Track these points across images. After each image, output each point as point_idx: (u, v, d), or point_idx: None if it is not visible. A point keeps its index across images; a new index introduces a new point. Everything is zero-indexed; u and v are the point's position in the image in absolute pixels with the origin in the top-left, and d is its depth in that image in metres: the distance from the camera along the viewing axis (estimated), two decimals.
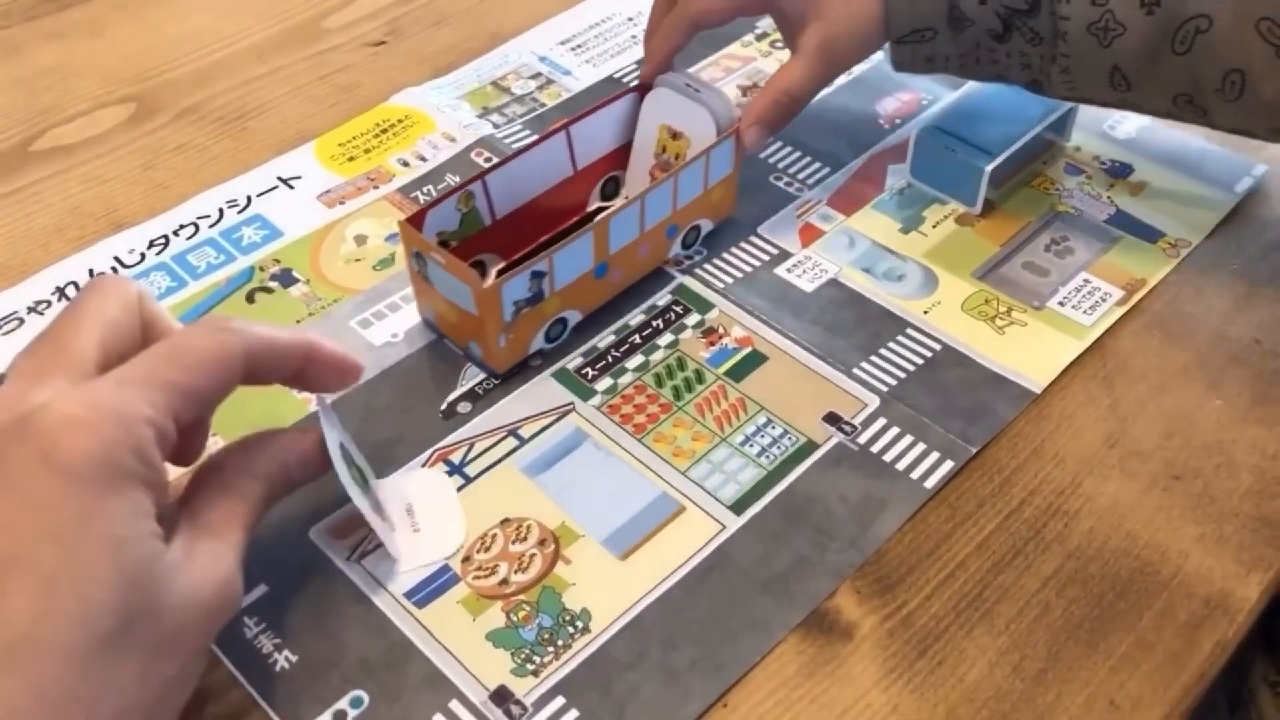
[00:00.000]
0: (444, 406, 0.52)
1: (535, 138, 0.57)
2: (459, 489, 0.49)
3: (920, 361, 0.54)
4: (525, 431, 0.51)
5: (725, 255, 0.60)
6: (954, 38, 0.56)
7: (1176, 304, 0.57)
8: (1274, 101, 0.52)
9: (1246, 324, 0.56)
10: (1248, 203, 0.63)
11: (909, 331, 0.56)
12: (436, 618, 0.44)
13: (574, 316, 0.54)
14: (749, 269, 0.59)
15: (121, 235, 0.61)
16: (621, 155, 0.61)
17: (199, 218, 0.62)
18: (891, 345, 0.55)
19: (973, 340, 0.55)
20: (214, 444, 0.49)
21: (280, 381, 0.42)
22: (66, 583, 0.32)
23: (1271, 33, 0.50)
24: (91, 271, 0.59)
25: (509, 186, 0.55)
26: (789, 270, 0.59)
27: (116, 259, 0.60)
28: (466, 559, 0.46)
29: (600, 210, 0.60)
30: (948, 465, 0.50)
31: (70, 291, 0.58)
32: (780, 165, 0.65)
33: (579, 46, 0.75)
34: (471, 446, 0.51)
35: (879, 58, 0.63)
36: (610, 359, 0.54)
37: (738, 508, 0.48)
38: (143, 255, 0.60)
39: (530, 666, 0.43)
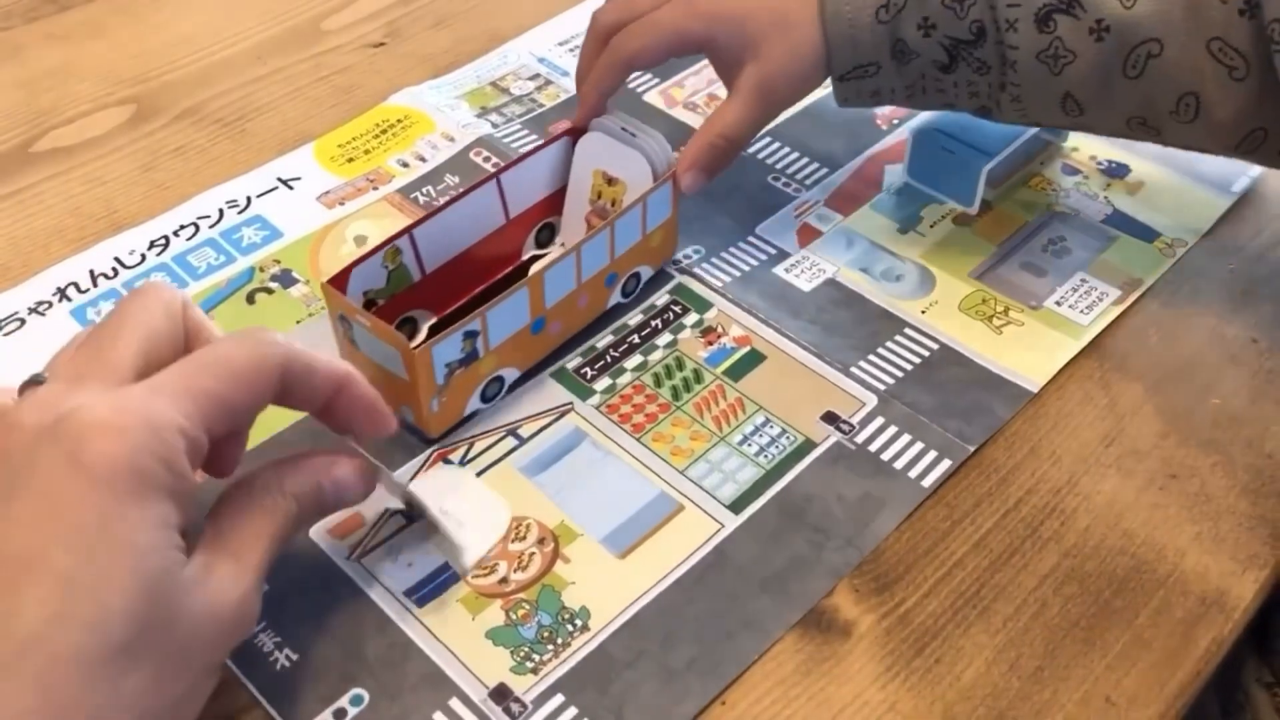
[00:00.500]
0: None
1: (464, 188, 0.54)
2: None
3: (918, 361, 0.55)
4: (524, 431, 0.51)
5: (723, 255, 0.60)
6: (898, 70, 0.55)
7: (1173, 303, 0.58)
8: (1229, 121, 0.51)
9: (1243, 323, 0.57)
10: (1244, 203, 0.63)
11: (907, 331, 0.56)
12: (436, 616, 0.45)
13: (511, 374, 0.52)
14: (747, 268, 0.59)
15: (122, 236, 0.61)
16: (556, 201, 0.58)
17: (199, 218, 0.62)
18: (889, 345, 0.55)
19: (970, 340, 0.55)
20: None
21: (311, 410, 0.41)
22: (83, 587, 0.32)
23: (1223, 53, 0.50)
24: (93, 272, 0.59)
25: (438, 239, 0.53)
26: (787, 270, 0.59)
27: (117, 260, 0.60)
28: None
29: (535, 258, 0.57)
30: (945, 464, 0.50)
31: (71, 293, 0.58)
32: (778, 166, 0.66)
33: (577, 48, 0.75)
34: (471, 446, 0.51)
35: None
36: (609, 359, 0.54)
37: (736, 507, 0.48)
38: (143, 256, 0.60)
39: (530, 664, 0.43)
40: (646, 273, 0.57)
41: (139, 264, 0.60)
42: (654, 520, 0.48)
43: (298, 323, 0.56)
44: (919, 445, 0.51)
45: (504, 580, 0.46)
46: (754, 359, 0.55)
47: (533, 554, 0.47)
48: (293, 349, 0.38)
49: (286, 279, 0.59)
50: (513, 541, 0.47)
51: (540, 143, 0.56)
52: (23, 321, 0.57)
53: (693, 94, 0.71)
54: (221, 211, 0.63)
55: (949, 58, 0.54)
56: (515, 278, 0.53)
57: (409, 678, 0.43)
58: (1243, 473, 0.50)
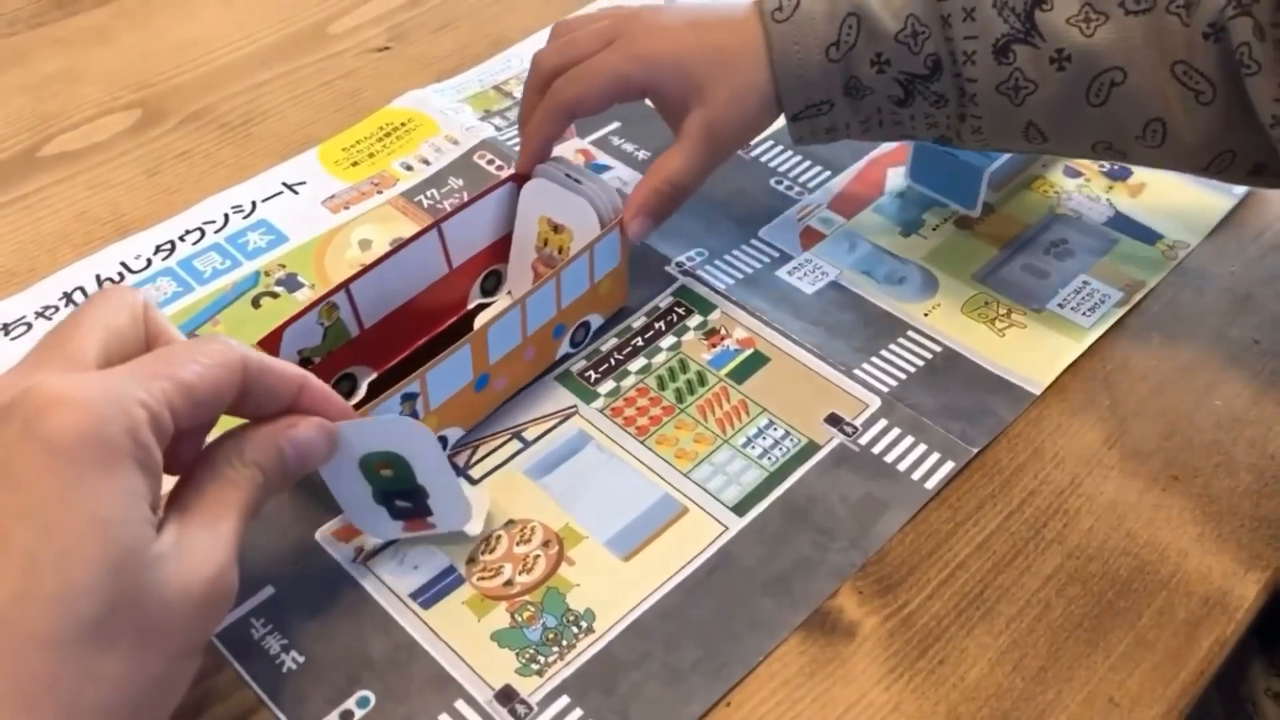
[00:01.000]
0: None
1: (403, 240, 0.52)
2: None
3: (921, 363, 0.55)
4: (529, 434, 0.52)
5: (726, 258, 0.60)
6: (853, 107, 0.54)
7: (1175, 306, 0.58)
8: (1196, 144, 0.51)
9: (1245, 325, 0.57)
10: (1246, 205, 0.63)
11: (909, 333, 0.56)
12: (442, 618, 0.45)
13: (455, 433, 0.50)
14: (750, 271, 0.59)
15: (128, 240, 0.61)
16: (502, 248, 0.56)
17: (205, 223, 0.63)
18: (892, 347, 0.55)
19: (973, 342, 0.56)
20: None
21: (268, 413, 0.40)
22: (46, 563, 0.31)
23: (1188, 76, 0.49)
24: (99, 277, 0.59)
25: (377, 293, 0.51)
26: (790, 273, 0.59)
27: (123, 264, 0.60)
28: (471, 560, 0.47)
29: (482, 307, 0.56)
30: (948, 466, 0.50)
31: (78, 297, 0.58)
32: (781, 169, 0.66)
33: None
34: (475, 449, 0.51)
35: None
36: (613, 362, 0.55)
37: (740, 509, 0.49)
38: (149, 261, 0.60)
39: (535, 666, 0.43)
40: (596, 321, 0.55)
41: (145, 268, 0.60)
42: (658, 522, 0.48)
43: None
44: (922, 447, 0.51)
45: (509, 582, 0.46)
46: (757, 361, 0.55)
47: (537, 556, 0.47)
48: (250, 349, 0.38)
49: (292, 283, 0.59)
50: (518, 544, 0.47)
51: (483, 189, 0.54)
52: (30, 326, 0.57)
53: None
54: (227, 216, 0.63)
55: (905, 92, 0.53)
56: (460, 327, 0.53)
57: (415, 680, 0.43)
58: (1245, 474, 0.50)
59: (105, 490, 0.32)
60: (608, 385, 0.54)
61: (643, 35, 0.54)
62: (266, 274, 0.60)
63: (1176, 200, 0.63)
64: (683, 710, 0.42)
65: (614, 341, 0.56)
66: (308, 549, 0.47)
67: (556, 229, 0.54)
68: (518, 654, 0.44)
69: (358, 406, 0.44)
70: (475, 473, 0.50)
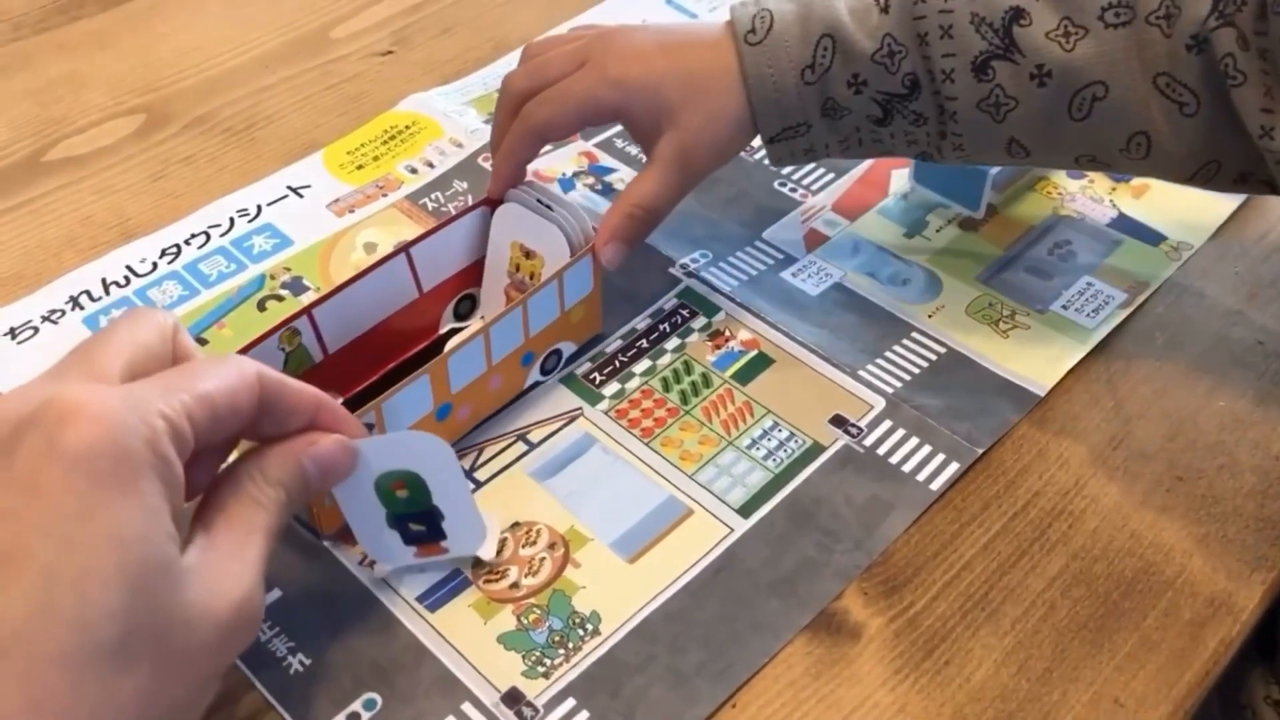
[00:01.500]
0: None
1: (370, 264, 0.51)
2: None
3: (925, 365, 0.55)
4: (534, 436, 0.52)
5: (730, 259, 0.60)
6: (830, 127, 0.53)
7: (1179, 307, 0.58)
8: (1181, 156, 0.50)
9: (1249, 326, 0.57)
10: (1249, 206, 0.63)
11: (914, 335, 0.56)
12: (448, 621, 0.45)
13: None
14: (754, 272, 0.59)
15: (133, 245, 0.62)
16: (476, 272, 0.55)
17: (210, 227, 0.63)
18: (896, 348, 0.55)
19: (977, 344, 0.56)
20: None
21: (285, 432, 0.39)
22: (65, 581, 0.30)
23: (1171, 88, 0.48)
24: (105, 281, 0.60)
25: (341, 318, 0.50)
26: (794, 275, 0.59)
27: (129, 268, 0.60)
28: (477, 563, 0.47)
29: (454, 332, 0.55)
30: (953, 467, 0.50)
31: (84, 301, 0.59)
32: (784, 171, 0.66)
33: None
34: (481, 451, 0.51)
35: None
36: (617, 364, 0.55)
37: (745, 511, 0.49)
38: (154, 264, 0.61)
39: (541, 669, 0.43)
40: (569, 349, 0.54)
41: (150, 272, 0.60)
42: (663, 524, 0.48)
43: None
44: (927, 448, 0.51)
45: (515, 585, 0.46)
46: (762, 362, 0.55)
47: (543, 559, 0.47)
48: (267, 367, 0.38)
49: (297, 286, 0.59)
50: (523, 546, 0.48)
51: (454, 214, 0.54)
52: (36, 330, 0.57)
53: None
54: (232, 220, 0.63)
55: (883, 112, 0.52)
56: (430, 351, 0.52)
57: (422, 682, 0.43)
58: (1249, 475, 0.50)
59: (125, 506, 0.32)
60: (612, 387, 0.54)
61: (614, 59, 0.54)
62: (272, 277, 0.60)
63: (1180, 202, 0.63)
64: (688, 712, 0.42)
65: (619, 343, 0.56)
66: (315, 551, 0.47)
67: (528, 255, 0.53)
68: (524, 656, 0.44)
69: None
70: (481, 475, 0.50)
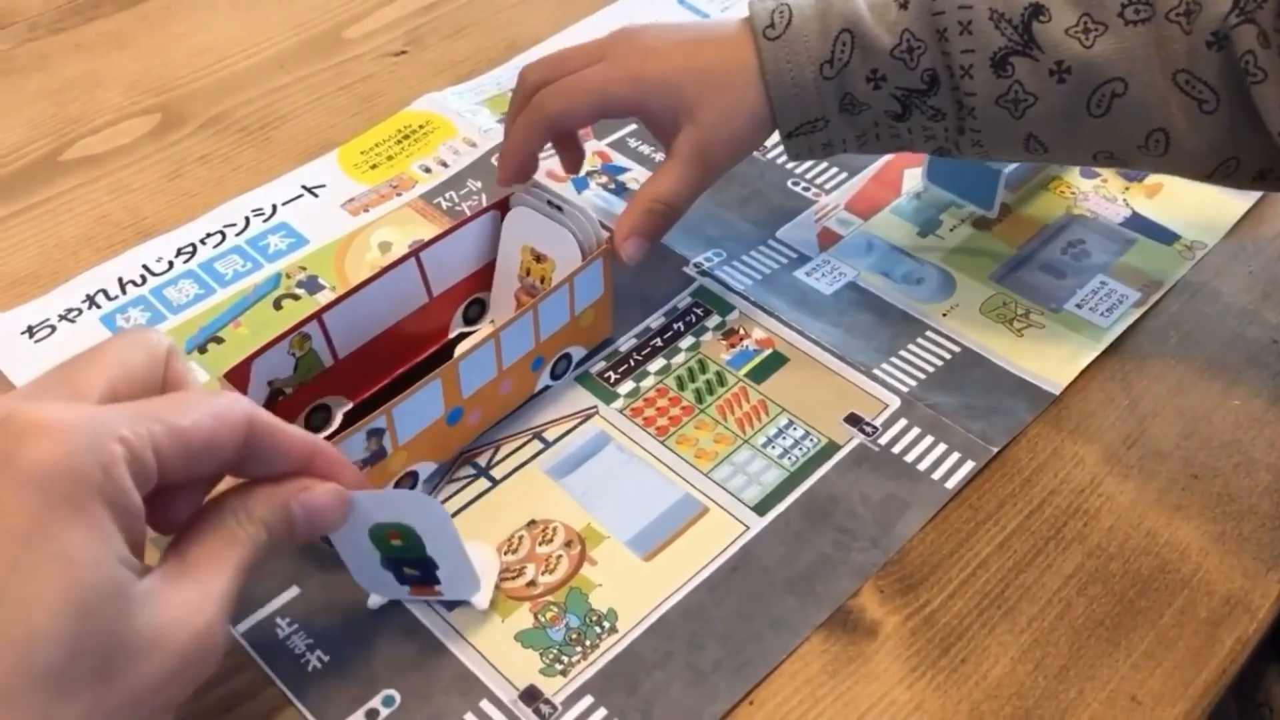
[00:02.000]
0: None
1: (380, 269, 0.51)
2: (484, 492, 0.50)
3: (940, 363, 0.55)
4: (550, 434, 0.52)
5: (744, 259, 0.60)
6: (849, 122, 0.53)
7: (1193, 306, 0.58)
8: (1200, 153, 0.50)
9: (1263, 325, 0.57)
10: (1263, 204, 0.63)
11: (928, 334, 0.56)
12: (466, 619, 0.45)
13: (426, 468, 0.49)
14: (768, 271, 0.60)
15: (150, 244, 0.62)
16: (485, 276, 0.55)
17: (225, 226, 0.63)
18: (911, 347, 0.56)
19: (991, 342, 0.56)
20: None
21: (276, 472, 0.38)
22: (8, 601, 0.29)
23: (1190, 85, 0.48)
24: (121, 280, 0.60)
25: (351, 322, 0.50)
26: (808, 274, 0.60)
27: (145, 267, 0.61)
28: None
29: (464, 336, 0.55)
30: (968, 466, 0.50)
31: (100, 300, 0.59)
32: (798, 170, 0.66)
33: None
34: (497, 449, 0.51)
35: None
36: (632, 362, 0.55)
37: (761, 509, 0.49)
38: (170, 263, 0.61)
39: (559, 666, 0.44)
40: (579, 353, 0.54)
41: (167, 271, 0.60)
42: (679, 522, 0.48)
43: None
44: (942, 447, 0.51)
45: (532, 583, 0.46)
46: (777, 361, 0.55)
47: (560, 557, 0.47)
48: (261, 409, 0.37)
49: (313, 285, 0.59)
50: (540, 544, 0.48)
51: (464, 218, 0.53)
52: (53, 328, 0.58)
53: None
54: (248, 219, 0.63)
55: (902, 107, 0.52)
56: (441, 355, 0.52)
57: (440, 680, 0.43)
58: (1265, 473, 0.50)
59: (77, 528, 0.31)
60: (627, 386, 0.54)
61: (632, 54, 0.54)
62: (288, 276, 0.60)
63: (1194, 200, 0.63)
64: (706, 709, 0.43)
65: (633, 342, 0.56)
66: (332, 549, 0.47)
67: (539, 259, 0.53)
68: (541, 654, 0.44)
69: (330, 438, 0.42)
70: (497, 472, 0.50)
